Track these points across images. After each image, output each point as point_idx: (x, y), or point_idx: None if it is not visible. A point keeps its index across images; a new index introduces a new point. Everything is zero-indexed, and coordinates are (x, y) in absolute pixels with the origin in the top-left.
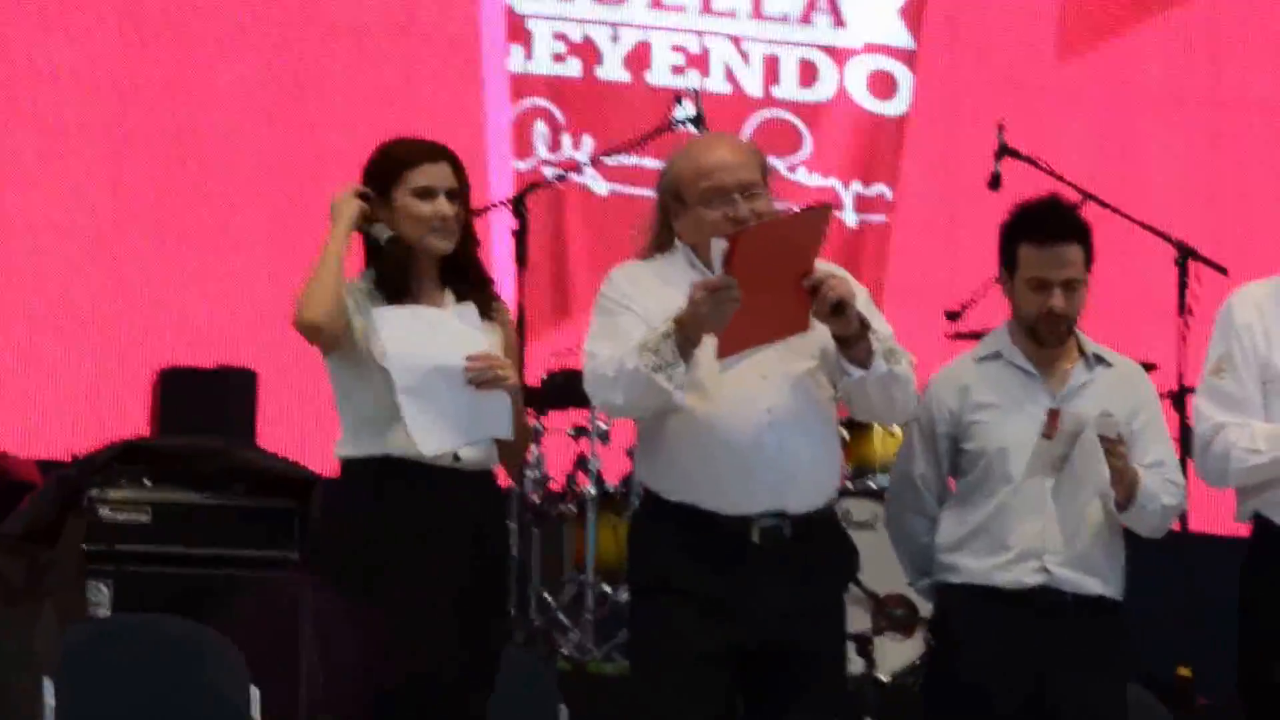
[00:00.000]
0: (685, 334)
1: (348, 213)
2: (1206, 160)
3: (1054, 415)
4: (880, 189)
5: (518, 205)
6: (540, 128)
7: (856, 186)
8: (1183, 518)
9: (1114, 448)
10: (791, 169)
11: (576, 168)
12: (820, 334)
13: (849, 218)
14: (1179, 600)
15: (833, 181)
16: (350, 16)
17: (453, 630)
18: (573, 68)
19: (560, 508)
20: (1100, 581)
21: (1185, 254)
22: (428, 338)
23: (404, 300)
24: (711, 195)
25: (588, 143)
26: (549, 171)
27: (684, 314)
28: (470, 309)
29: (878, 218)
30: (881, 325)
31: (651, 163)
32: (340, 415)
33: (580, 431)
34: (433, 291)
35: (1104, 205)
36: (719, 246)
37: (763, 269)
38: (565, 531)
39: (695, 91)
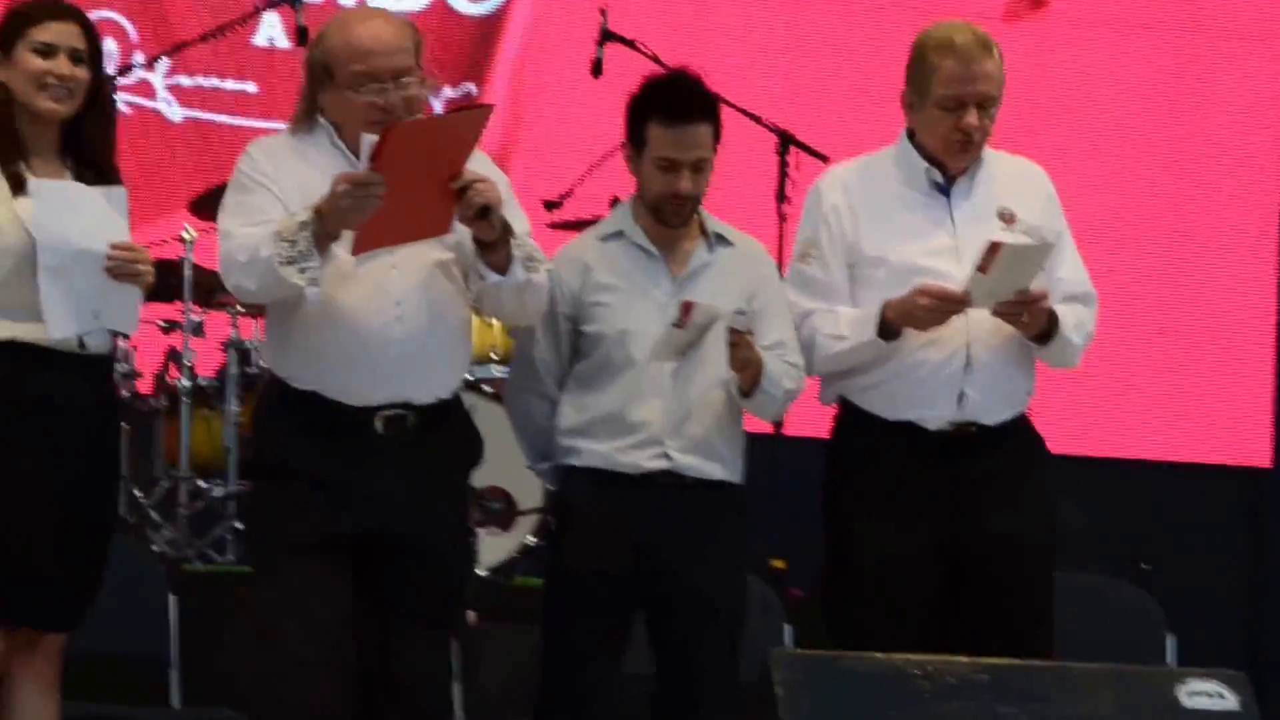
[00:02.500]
0: (324, 226)
1: None
2: (797, 49)
3: (687, 307)
4: (467, 87)
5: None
6: (108, 45)
7: (446, 91)
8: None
9: (742, 339)
10: None
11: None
12: (457, 226)
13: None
14: (770, 495)
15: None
16: None
17: (69, 516)
18: None
19: (151, 403)
20: (721, 465)
21: (785, 141)
22: (75, 217)
23: (16, 166)
24: (362, 80)
25: (164, 64)
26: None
27: (324, 204)
28: (121, 193)
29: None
30: (520, 222)
31: (232, 85)
32: None
33: (172, 325)
34: (51, 162)
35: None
36: (368, 141)
37: (411, 167)
38: (156, 427)
39: None
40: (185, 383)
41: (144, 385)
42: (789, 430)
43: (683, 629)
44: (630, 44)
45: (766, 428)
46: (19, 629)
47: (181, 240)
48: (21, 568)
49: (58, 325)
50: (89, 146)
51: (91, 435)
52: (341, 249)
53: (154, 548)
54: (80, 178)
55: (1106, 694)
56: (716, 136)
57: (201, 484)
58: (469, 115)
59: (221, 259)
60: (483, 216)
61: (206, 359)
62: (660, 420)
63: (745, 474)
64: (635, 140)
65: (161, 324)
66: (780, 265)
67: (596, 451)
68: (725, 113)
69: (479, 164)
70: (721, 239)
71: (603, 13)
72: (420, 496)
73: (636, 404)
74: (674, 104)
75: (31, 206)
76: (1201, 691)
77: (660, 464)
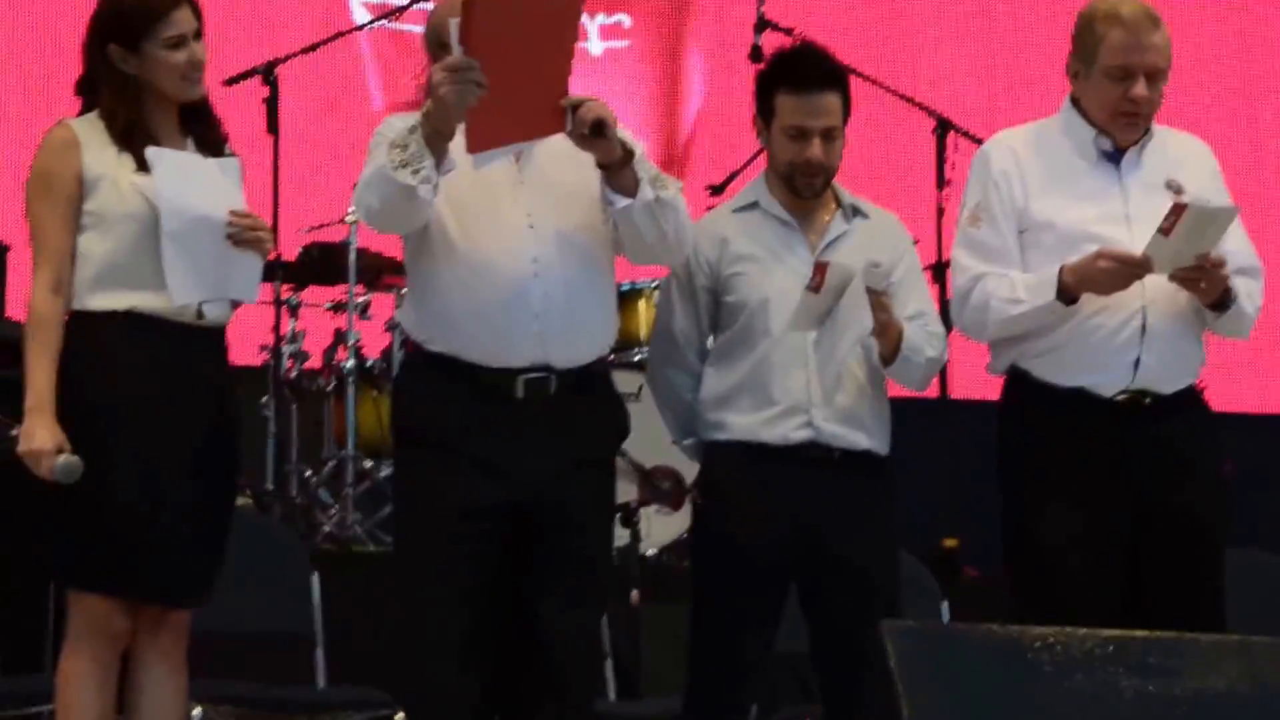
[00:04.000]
0: (432, 125)
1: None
2: (970, 35)
3: (820, 268)
4: (620, 17)
5: (268, 73)
6: None
7: (601, 18)
8: (944, 382)
9: (879, 300)
10: None
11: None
12: (592, 181)
13: (594, 47)
14: (944, 471)
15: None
16: None
17: (194, 492)
18: None
19: (319, 383)
20: (866, 436)
21: (944, 126)
22: (194, 185)
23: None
24: None
25: None
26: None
27: (428, 104)
28: (234, 163)
29: (622, 43)
30: (649, 166)
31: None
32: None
33: (339, 306)
34: (174, 138)
35: (862, 76)
36: (454, 23)
37: (506, 50)
38: (325, 407)
39: None
40: (351, 363)
41: (314, 366)
42: (956, 392)
43: (836, 603)
44: (787, 32)
45: (934, 394)
46: (145, 606)
47: (346, 222)
48: (145, 544)
49: (180, 291)
50: (205, 120)
51: (210, 406)
52: (473, 201)
53: (324, 528)
54: (201, 151)
55: (1234, 666)
56: (846, 107)
57: (368, 464)
58: None
59: (354, 196)
60: (598, 134)
61: (374, 340)
62: (804, 390)
63: (902, 446)
64: (764, 113)
65: (328, 305)
66: (940, 247)
67: (740, 424)
68: (884, 99)
69: None
70: (857, 210)
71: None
72: (561, 466)
73: (779, 374)
74: (801, 73)
75: (153, 179)
76: None
77: (806, 434)
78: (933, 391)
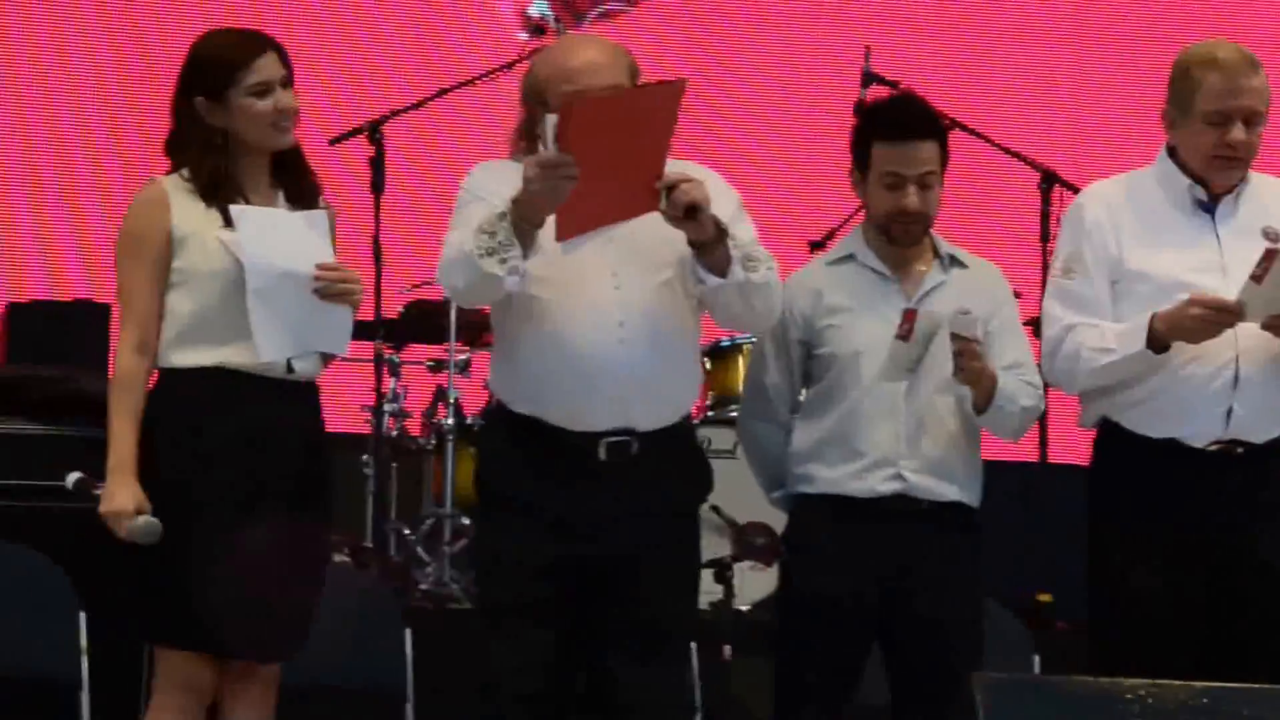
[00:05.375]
0: (521, 214)
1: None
2: (1072, 87)
3: (909, 315)
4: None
5: (373, 132)
6: None
7: None
8: (1043, 446)
9: (969, 347)
10: None
11: None
12: (681, 241)
13: None
14: (1043, 527)
15: None
16: None
17: (283, 546)
18: None
19: (418, 441)
20: (957, 488)
21: (1048, 179)
22: (281, 241)
23: (234, 202)
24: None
25: None
26: None
27: (519, 193)
28: (322, 216)
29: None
30: (744, 232)
31: None
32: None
33: (439, 364)
34: (265, 191)
35: (967, 130)
36: (550, 121)
37: (602, 145)
38: (424, 465)
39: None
40: (450, 421)
41: (414, 426)
42: (1054, 457)
43: (918, 658)
44: (893, 85)
45: (1032, 456)
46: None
47: None
48: (230, 601)
49: (267, 348)
50: (298, 170)
51: (300, 460)
52: (559, 257)
53: (421, 586)
54: (292, 200)
55: None
56: (944, 155)
57: (466, 521)
58: (659, 89)
59: (439, 265)
60: (691, 216)
61: (474, 398)
62: (893, 441)
63: (1002, 502)
64: (861, 164)
65: (429, 363)
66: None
67: (827, 477)
68: (989, 153)
69: (711, 181)
70: (955, 260)
71: (866, 54)
72: (643, 524)
73: (868, 425)
74: (896, 121)
75: (237, 234)
76: None
77: (894, 486)
78: (1033, 454)
